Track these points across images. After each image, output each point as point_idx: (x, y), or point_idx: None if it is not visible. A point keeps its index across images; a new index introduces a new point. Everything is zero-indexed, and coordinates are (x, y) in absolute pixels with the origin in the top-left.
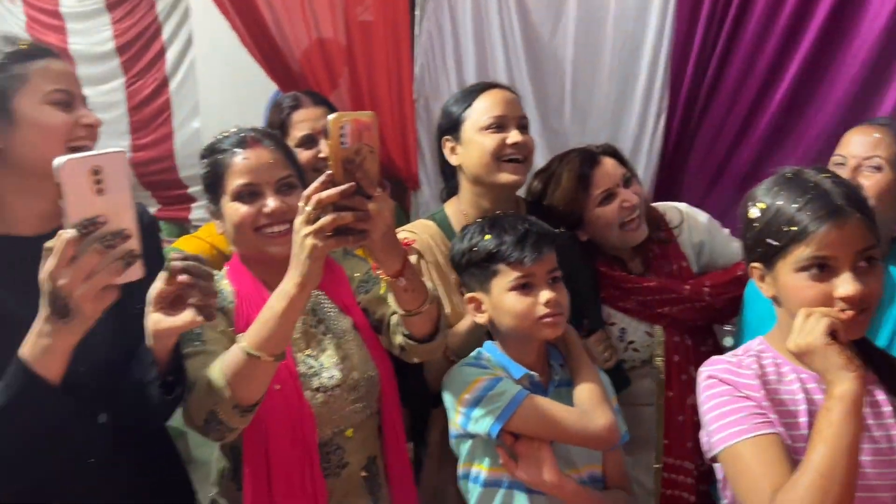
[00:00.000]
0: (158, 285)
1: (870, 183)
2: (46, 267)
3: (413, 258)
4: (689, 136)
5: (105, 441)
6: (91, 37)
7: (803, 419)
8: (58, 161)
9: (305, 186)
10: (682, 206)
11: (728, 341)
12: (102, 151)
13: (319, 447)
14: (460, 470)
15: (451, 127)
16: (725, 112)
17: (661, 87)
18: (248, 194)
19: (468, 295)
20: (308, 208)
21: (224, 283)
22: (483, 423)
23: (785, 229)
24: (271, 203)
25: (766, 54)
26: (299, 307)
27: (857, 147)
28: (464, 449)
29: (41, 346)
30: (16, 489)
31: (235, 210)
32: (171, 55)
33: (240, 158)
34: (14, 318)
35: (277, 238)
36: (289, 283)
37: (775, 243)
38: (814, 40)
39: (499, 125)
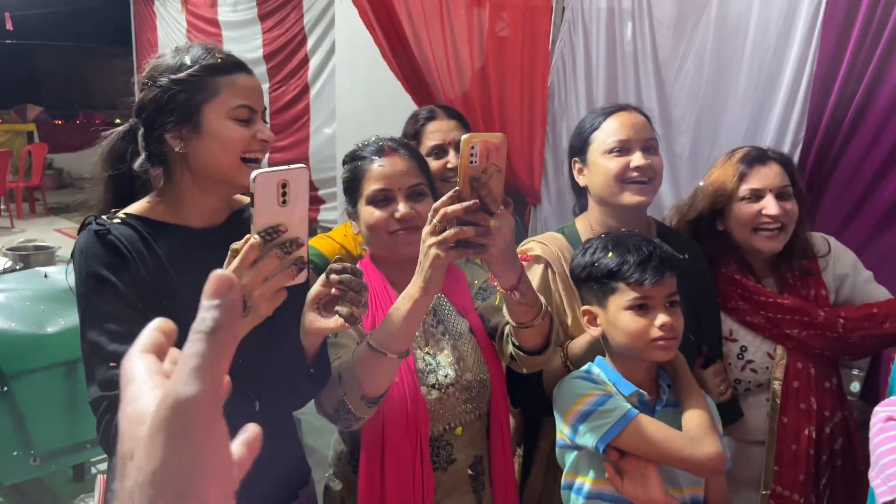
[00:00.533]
0: (316, 287)
1: None
2: (231, 267)
3: (539, 267)
4: (826, 171)
5: (255, 421)
6: (244, 44)
7: None
8: (254, 174)
9: (434, 194)
10: (831, 239)
11: (855, 387)
12: (290, 167)
13: (430, 441)
14: (564, 480)
15: (579, 149)
16: (866, 150)
17: (797, 119)
18: (383, 199)
19: (584, 308)
20: (435, 220)
21: None
22: (590, 437)
23: None
24: (402, 208)
25: None
26: (422, 310)
27: None
28: (569, 459)
29: None
30: None
31: (371, 213)
32: (313, 64)
33: (377, 165)
34: (180, 298)
35: (406, 237)
36: (413, 288)
37: None
38: None
39: (622, 148)
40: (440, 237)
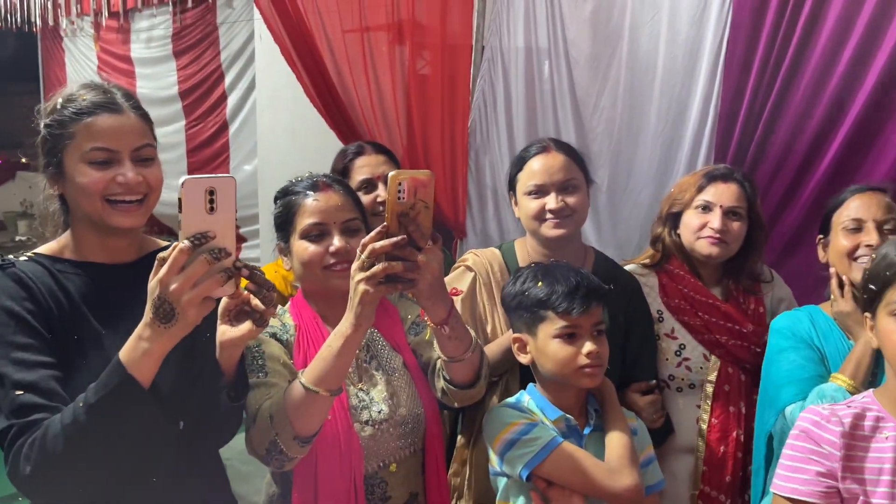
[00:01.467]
0: (225, 300)
1: None
2: (159, 274)
3: (469, 275)
4: None
5: (180, 447)
6: (158, 81)
7: (886, 478)
8: (182, 179)
9: (367, 230)
10: (773, 272)
11: None
12: (217, 175)
13: (365, 479)
14: None
15: (511, 185)
16: (770, 177)
17: (706, 149)
18: (317, 234)
19: (514, 335)
20: (363, 256)
21: (287, 317)
22: (515, 465)
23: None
24: (337, 242)
25: (816, 118)
26: (354, 346)
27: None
28: (500, 487)
29: (140, 349)
30: (86, 486)
31: (305, 248)
32: (232, 101)
33: (311, 200)
34: (90, 332)
35: (340, 273)
36: (345, 324)
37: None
38: (865, 103)
39: (539, 191)
40: (368, 273)
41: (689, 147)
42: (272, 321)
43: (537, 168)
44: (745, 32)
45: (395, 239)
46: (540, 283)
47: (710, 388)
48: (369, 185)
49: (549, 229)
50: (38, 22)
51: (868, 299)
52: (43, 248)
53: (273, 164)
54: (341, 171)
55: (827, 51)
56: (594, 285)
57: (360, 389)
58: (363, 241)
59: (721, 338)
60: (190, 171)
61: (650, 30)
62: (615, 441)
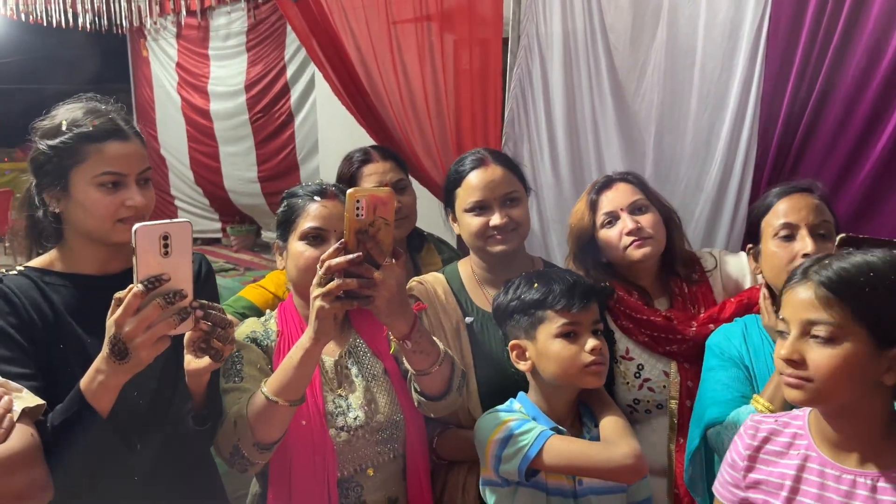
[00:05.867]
0: (191, 332)
1: None
2: (114, 315)
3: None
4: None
5: (146, 467)
6: (228, 76)
7: (784, 494)
8: (135, 227)
9: None
10: (717, 251)
11: None
12: (172, 221)
13: (339, 483)
14: None
15: (448, 201)
16: (820, 164)
17: (748, 136)
18: (314, 237)
19: (512, 342)
20: (320, 272)
21: (272, 322)
22: (513, 461)
23: None
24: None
25: (866, 103)
26: (314, 359)
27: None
28: (491, 498)
29: (97, 381)
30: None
31: (300, 250)
32: (295, 94)
33: (316, 205)
34: (75, 342)
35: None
36: (305, 337)
37: None
38: None
39: (481, 207)
40: (324, 289)
41: (727, 131)
42: (255, 326)
43: (476, 183)
44: (789, 9)
45: (350, 256)
46: (535, 286)
47: (674, 406)
48: None
49: (494, 246)
50: (126, 23)
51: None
52: (34, 262)
53: (333, 157)
54: (348, 177)
55: (879, 25)
56: (590, 284)
57: (339, 395)
58: (322, 257)
59: (671, 347)
60: (259, 163)
61: (689, 11)
62: (608, 421)
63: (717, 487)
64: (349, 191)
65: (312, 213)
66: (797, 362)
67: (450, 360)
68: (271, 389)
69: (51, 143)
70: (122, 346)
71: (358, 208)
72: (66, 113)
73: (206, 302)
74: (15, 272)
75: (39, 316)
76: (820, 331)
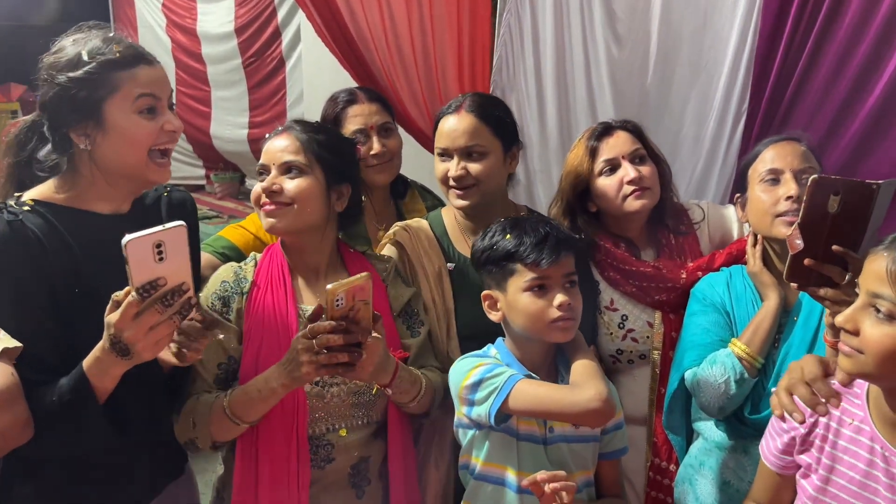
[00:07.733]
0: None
1: None
2: (112, 318)
3: (393, 248)
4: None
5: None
6: (217, 17)
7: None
8: (125, 239)
9: (342, 178)
10: (705, 203)
11: None
12: (165, 227)
13: (310, 439)
14: (461, 460)
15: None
16: (809, 118)
17: (741, 88)
18: (259, 173)
19: (484, 293)
20: (315, 343)
21: (249, 268)
22: (484, 405)
23: None
24: (266, 183)
25: (858, 58)
26: (278, 399)
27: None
28: (464, 439)
29: (99, 367)
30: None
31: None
32: (286, 37)
33: (267, 144)
34: (89, 283)
35: (265, 209)
36: (276, 382)
37: None
38: None
39: (444, 155)
40: (315, 359)
41: (724, 83)
42: (228, 276)
43: (444, 129)
44: None
45: (340, 339)
46: (508, 236)
47: (656, 356)
48: (361, 134)
49: (454, 199)
50: None
51: None
52: (39, 194)
53: (319, 102)
54: (333, 119)
55: None
56: (564, 235)
57: None
58: (314, 327)
59: (660, 297)
60: (252, 108)
61: None
62: (578, 365)
63: (765, 451)
64: (328, 288)
65: (264, 149)
66: (849, 331)
67: (430, 391)
68: (232, 410)
69: (73, 74)
70: (123, 345)
71: (338, 300)
72: (80, 44)
73: (206, 310)
74: (27, 208)
75: (57, 259)
76: (883, 305)
